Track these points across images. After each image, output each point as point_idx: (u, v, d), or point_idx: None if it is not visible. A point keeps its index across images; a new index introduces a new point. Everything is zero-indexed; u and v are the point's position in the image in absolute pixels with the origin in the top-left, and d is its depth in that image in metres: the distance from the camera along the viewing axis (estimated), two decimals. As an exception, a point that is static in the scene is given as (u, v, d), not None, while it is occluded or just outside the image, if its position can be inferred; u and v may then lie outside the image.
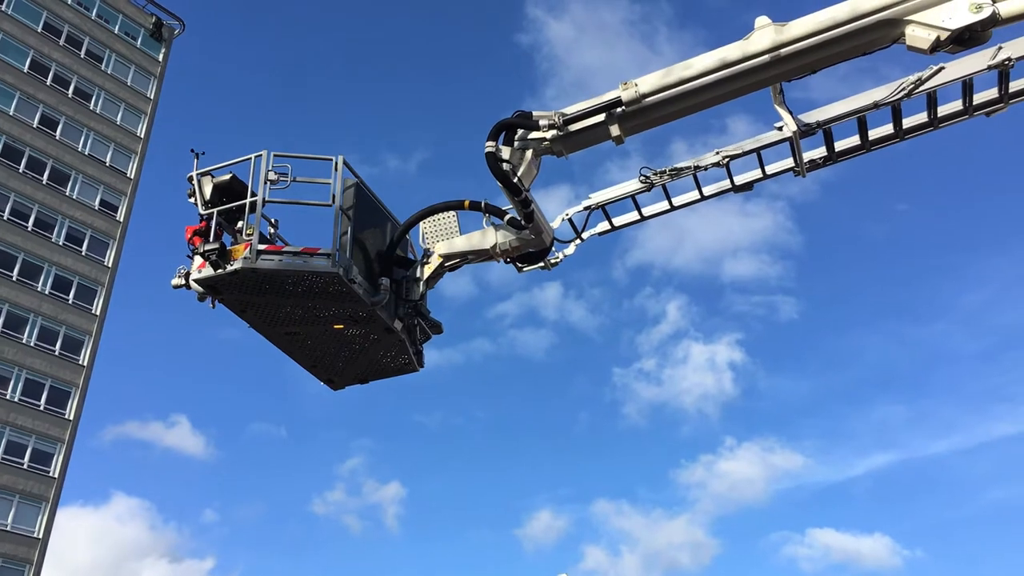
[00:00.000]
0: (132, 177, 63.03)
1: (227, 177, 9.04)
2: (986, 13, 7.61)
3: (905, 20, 7.87)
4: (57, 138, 59.08)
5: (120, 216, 61.57)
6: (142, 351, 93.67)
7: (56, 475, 53.81)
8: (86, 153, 60.46)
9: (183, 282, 9.22)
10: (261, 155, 8.76)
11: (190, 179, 9.00)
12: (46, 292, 56.13)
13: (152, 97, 65.49)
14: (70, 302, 57.19)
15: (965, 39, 7.78)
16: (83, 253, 58.83)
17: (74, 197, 59.19)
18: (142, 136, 63.98)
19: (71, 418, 55.59)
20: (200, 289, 9.13)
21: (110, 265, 60.30)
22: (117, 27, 64.56)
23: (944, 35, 7.73)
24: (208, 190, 8.97)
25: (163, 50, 67.40)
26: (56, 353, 55.65)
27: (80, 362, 56.93)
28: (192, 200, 9.02)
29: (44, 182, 57.74)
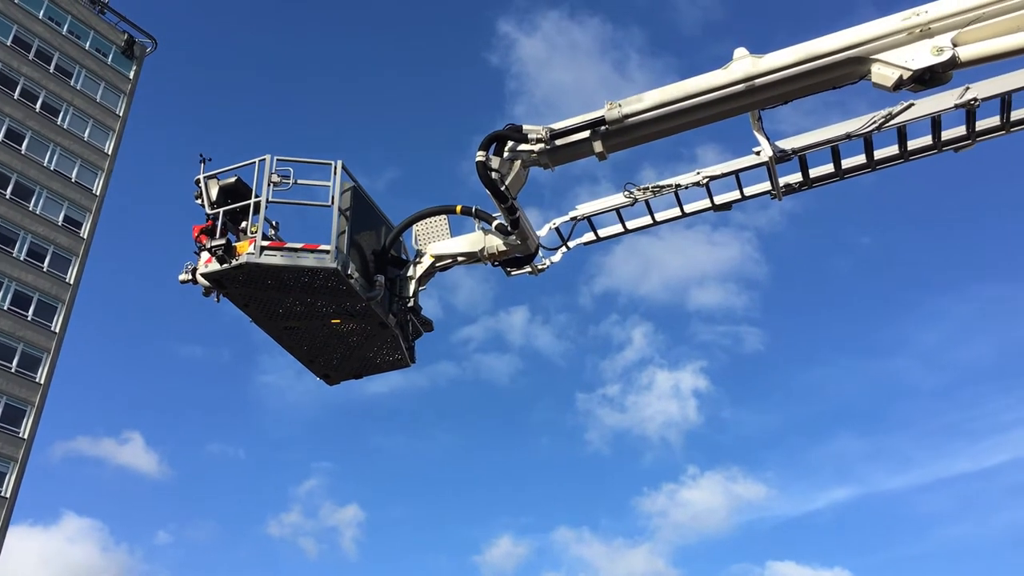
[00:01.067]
0: (98, 194, 62.06)
1: (232, 180, 9.69)
2: (946, 56, 8.15)
3: (871, 58, 8.42)
4: (23, 152, 58.26)
5: (84, 233, 60.65)
6: (98, 366, 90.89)
7: (8, 495, 52.41)
8: (52, 168, 59.62)
9: (190, 277, 9.86)
10: (265, 159, 9.40)
11: (197, 182, 9.64)
12: (5, 308, 55.19)
13: (121, 114, 64.60)
14: (29, 319, 56.19)
15: (926, 79, 8.31)
16: (44, 269, 57.94)
17: (38, 212, 58.34)
18: (109, 153, 63.06)
19: (25, 437, 54.28)
20: (206, 283, 9.76)
21: (72, 282, 59.33)
22: (88, 43, 63.85)
23: (907, 74, 8.27)
24: (214, 192, 9.60)
25: (134, 68, 66.59)
26: (13, 370, 54.64)
27: (37, 380, 55.90)
28: (199, 201, 9.64)
29: (7, 196, 56.77)
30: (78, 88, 62.30)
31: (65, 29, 62.50)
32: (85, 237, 60.73)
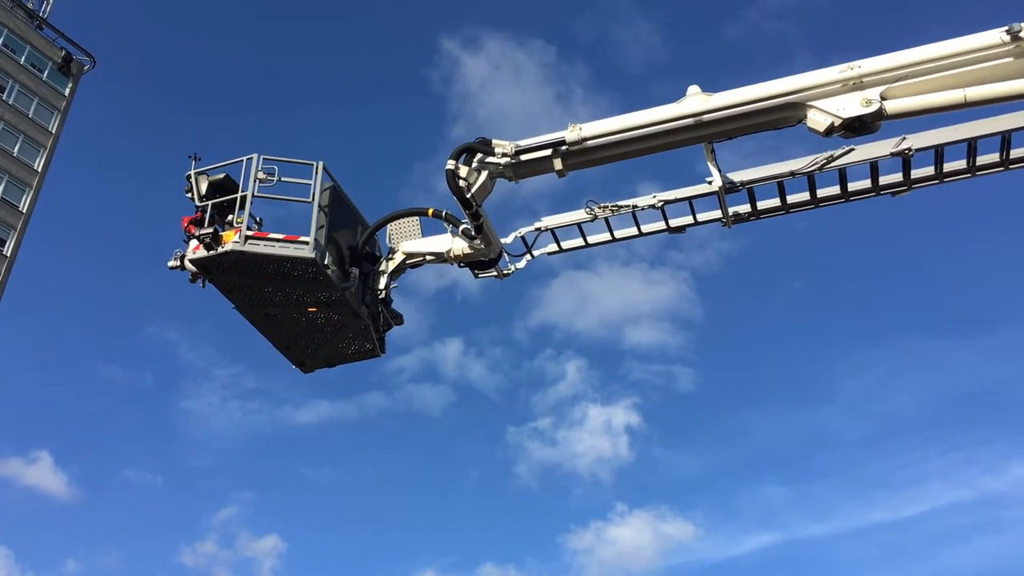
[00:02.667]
0: (24, 211, 59.94)
1: (221, 176, 10.57)
2: (874, 108, 8.96)
3: (808, 105, 9.23)
4: (-52, 165, 56.23)
5: (7, 250, 58.45)
6: (9, 382, 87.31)
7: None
8: (-23, 183, 57.59)
9: (178, 264, 10.73)
10: (252, 158, 10.28)
11: (188, 177, 10.50)
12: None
13: (54, 132, 62.46)
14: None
15: (856, 127, 9.12)
16: (-36, 286, 54.95)
17: (-41, 228, 55.72)
18: (39, 170, 61.10)
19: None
20: (194, 269, 10.63)
21: (-10, 303, 56.51)
22: (23, 58, 61.62)
23: (838, 122, 9.08)
24: (204, 187, 10.47)
25: (70, 85, 64.39)
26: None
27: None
28: (189, 195, 10.52)
29: (-70, 208, 54.80)
30: (10, 103, 60.12)
31: (0, 42, 60.37)
32: (8, 255, 58.59)
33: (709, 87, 9.41)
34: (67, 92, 64.34)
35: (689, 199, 11.20)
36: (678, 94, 9.54)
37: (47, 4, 64.67)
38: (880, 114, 8.99)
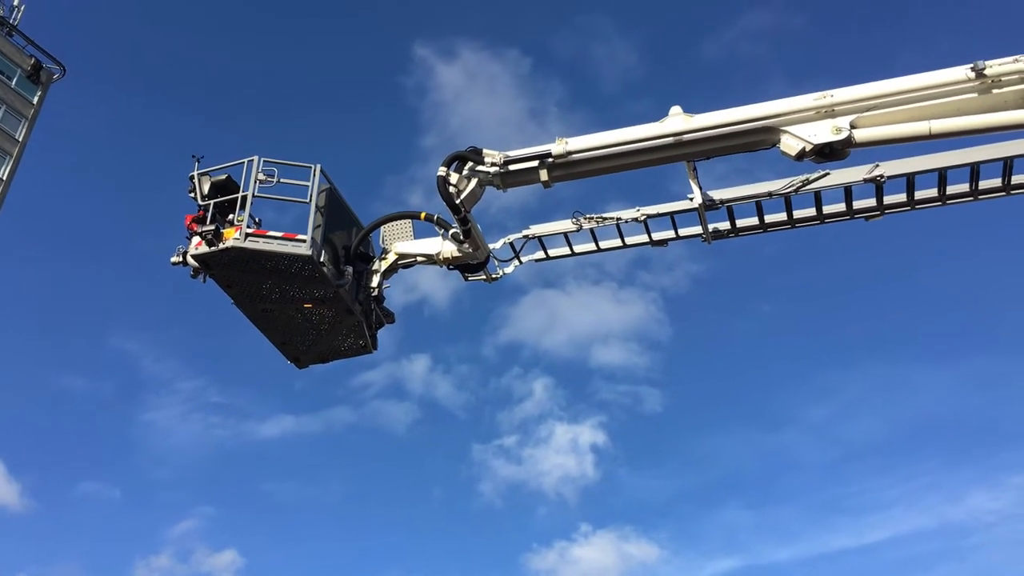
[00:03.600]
0: None
1: (223, 177, 11.10)
2: (843, 136, 9.42)
3: (782, 129, 9.70)
4: (-88, 170, 54.61)
5: None
6: None
7: None
8: (-59, 190, 55.27)
9: (181, 259, 11.25)
10: (253, 160, 10.80)
11: (191, 178, 11.02)
12: None
13: (21, 139, 60.88)
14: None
15: (826, 153, 9.59)
16: (-75, 297, 53.02)
17: (-80, 233, 53.76)
18: (4, 178, 59.39)
19: None
20: (195, 264, 11.13)
21: (-47, 311, 54.20)
22: None
23: (809, 147, 9.54)
24: (206, 187, 10.99)
25: (39, 93, 62.79)
26: None
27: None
28: (191, 195, 11.03)
29: None
30: (-23, 110, 58.27)
31: (-32, 49, 58.60)
32: (-28, 263, 55.51)
33: (684, 107, 9.90)
34: (36, 100, 62.88)
35: (671, 214, 11.66)
36: (653, 113, 10.03)
37: (17, 12, 63.19)
38: (849, 142, 9.45)
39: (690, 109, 9.93)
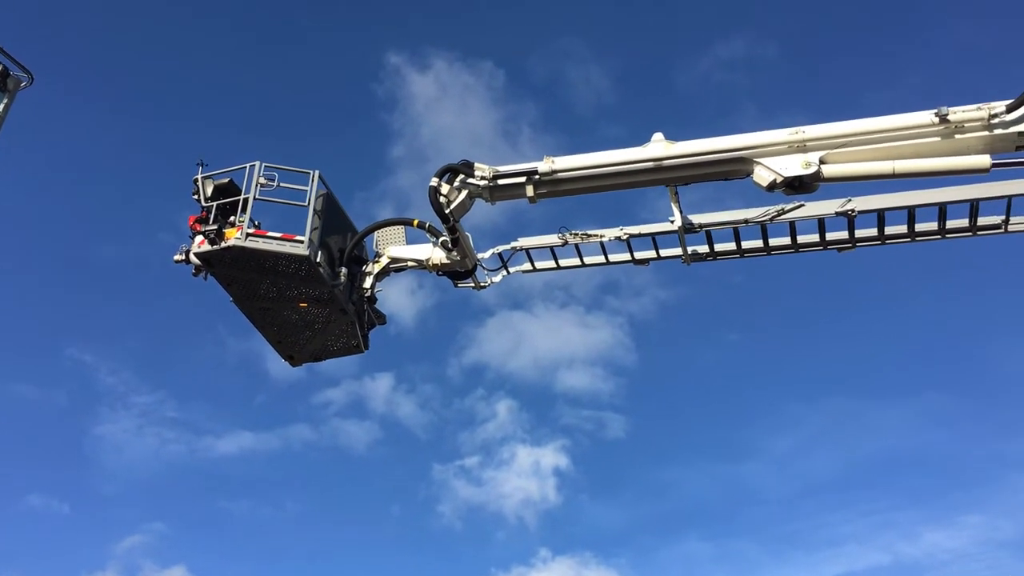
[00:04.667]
0: None
1: (226, 180, 11.71)
2: (812, 170, 9.90)
3: (755, 161, 10.19)
4: None
5: None
6: None
7: None
8: None
9: (184, 258, 11.83)
10: (255, 165, 11.41)
11: (195, 181, 11.62)
12: None
13: None
14: None
15: (796, 186, 10.06)
16: None
17: None
18: None
19: None
20: (198, 262, 11.70)
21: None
22: None
23: (780, 179, 10.03)
24: (210, 190, 11.60)
25: (4, 100, 62.11)
26: None
27: None
28: (195, 197, 11.63)
29: None
30: (-65, 118, 58.48)
31: (-72, 54, 59.12)
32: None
33: (654, 130, 10.45)
34: (0, 108, 63.11)
35: (652, 235, 12.17)
36: (625, 139, 10.59)
37: (-18, 16, 64.14)
38: (818, 176, 9.94)
39: (666, 137, 10.46)
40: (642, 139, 10.55)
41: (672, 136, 10.44)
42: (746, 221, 11.65)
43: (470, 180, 11.21)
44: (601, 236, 12.32)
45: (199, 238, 11.60)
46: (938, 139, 9.66)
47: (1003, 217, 11.17)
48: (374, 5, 59.88)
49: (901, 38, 53.16)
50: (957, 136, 9.60)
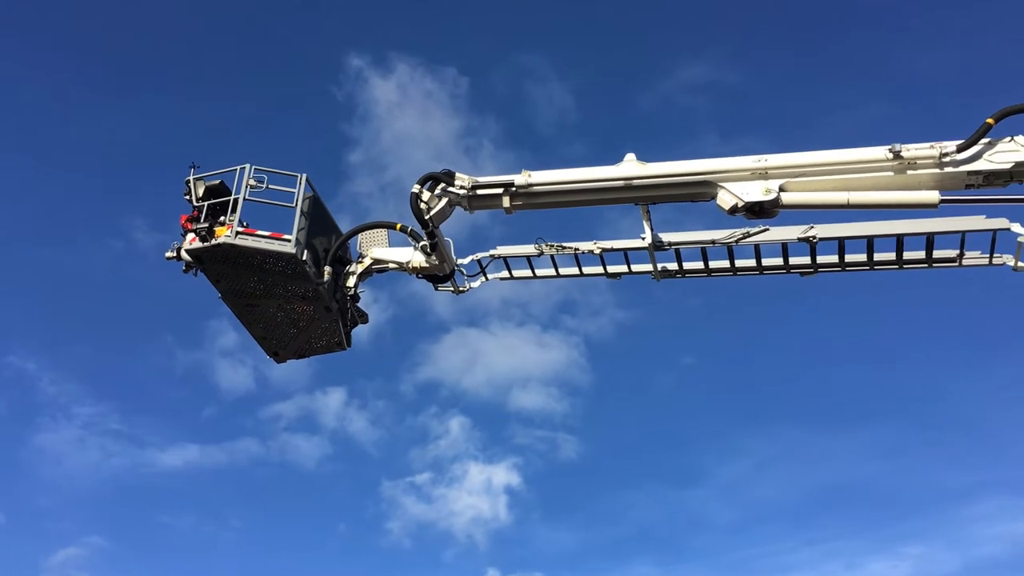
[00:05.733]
0: None
1: (217, 182, 12.25)
2: (772, 197, 10.42)
3: (720, 184, 10.71)
4: None
5: None
6: None
7: None
8: None
9: (175, 255, 12.34)
10: (245, 167, 11.96)
11: (187, 182, 12.18)
12: None
13: None
14: None
15: (756, 211, 10.58)
16: None
17: None
18: None
19: None
20: (189, 259, 12.22)
21: None
22: None
23: (741, 203, 10.54)
24: (201, 190, 12.14)
25: None
26: None
27: None
28: (187, 197, 12.18)
29: None
30: None
31: None
32: None
33: (618, 154, 11.00)
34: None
35: (624, 251, 12.68)
36: (587, 158, 11.15)
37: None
38: (777, 203, 10.45)
39: (622, 157, 11.01)
40: (603, 159, 11.21)
41: (636, 158, 10.98)
42: (713, 242, 12.16)
43: (451, 188, 11.73)
44: (576, 249, 12.83)
45: (190, 235, 12.12)
46: (891, 174, 10.18)
47: (958, 251, 11.66)
48: (337, 5, 59.14)
49: (862, 68, 53.93)
50: (910, 172, 10.12)
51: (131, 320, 54.06)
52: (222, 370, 50.93)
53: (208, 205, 12.07)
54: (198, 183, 12.18)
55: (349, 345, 14.43)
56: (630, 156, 11.25)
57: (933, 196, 10.00)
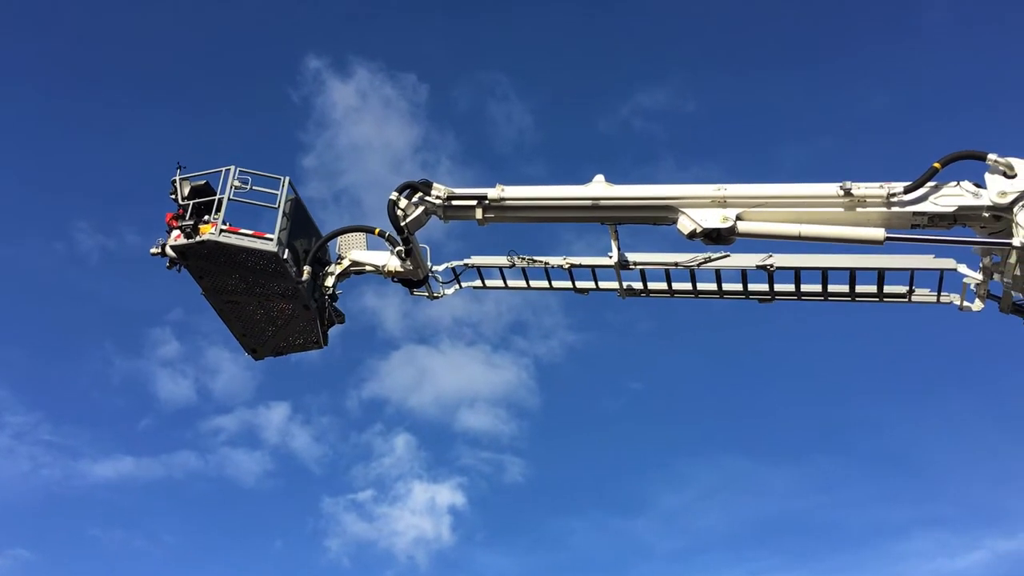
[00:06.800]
0: None
1: (203, 182, 12.79)
2: (728, 224, 10.95)
3: (681, 210, 11.24)
4: None
5: None
6: None
7: None
8: None
9: (160, 251, 12.86)
10: (230, 169, 12.50)
11: (173, 182, 12.71)
12: None
13: None
14: None
15: (714, 237, 11.11)
16: None
17: None
18: None
19: None
20: (173, 255, 12.73)
21: None
22: None
23: (699, 229, 11.07)
24: (187, 190, 12.67)
25: None
26: None
27: None
28: (172, 197, 12.71)
29: None
30: None
31: None
32: None
33: (576, 176, 11.56)
34: None
35: (592, 267, 13.21)
36: (544, 178, 11.72)
37: None
38: (733, 231, 10.98)
39: (583, 180, 11.57)
40: (560, 180, 11.87)
41: (589, 178, 11.56)
42: (676, 264, 12.68)
43: (427, 198, 12.27)
44: (546, 263, 13.36)
45: (176, 232, 12.64)
46: (842, 210, 10.71)
47: (907, 287, 12.18)
48: (296, 4, 57.71)
49: (814, 102, 54.86)
50: (859, 209, 10.66)
51: (68, 325, 52.67)
52: (162, 380, 49.76)
53: (193, 204, 12.58)
54: (184, 183, 12.70)
55: (326, 344, 14.94)
56: (599, 177, 11.78)
57: (879, 233, 10.53)
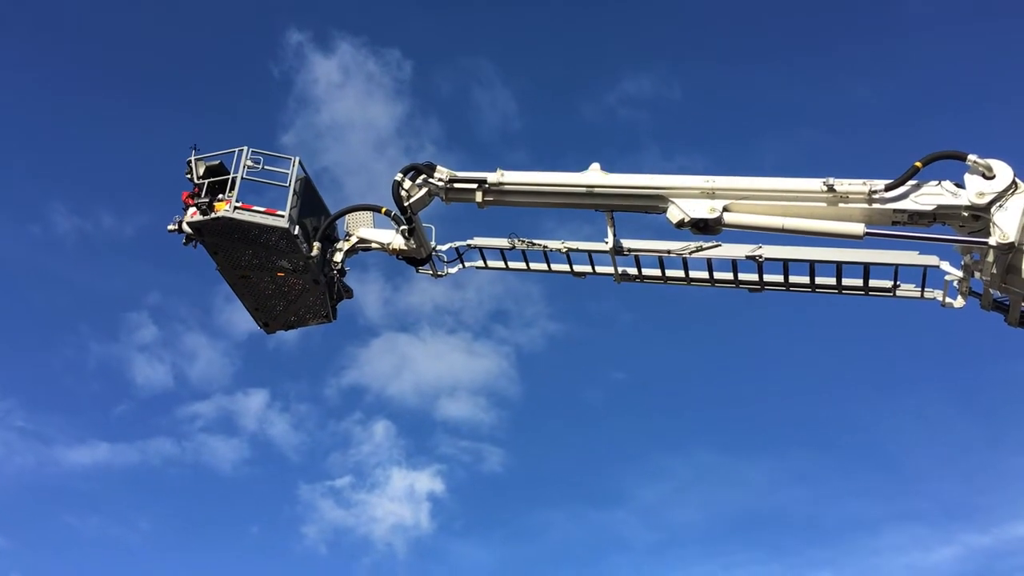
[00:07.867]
0: None
1: (217, 162, 13.44)
2: (715, 215, 11.34)
3: (671, 200, 11.65)
4: None
5: None
6: None
7: None
8: None
9: (177, 227, 13.51)
10: (243, 149, 13.13)
11: (188, 162, 13.37)
12: None
13: None
14: None
15: (701, 227, 11.51)
16: None
17: None
18: None
19: None
20: (189, 231, 13.39)
21: None
22: None
23: (687, 219, 11.48)
24: (202, 170, 13.33)
25: None
26: None
27: None
28: (188, 176, 13.37)
29: None
30: None
31: None
32: None
33: (559, 163, 12.00)
34: None
35: (589, 252, 13.67)
36: (527, 165, 12.24)
37: None
38: (720, 221, 11.38)
39: (568, 167, 12.03)
40: (544, 168, 12.39)
41: (577, 168, 12.00)
42: (668, 252, 13.10)
43: (430, 180, 12.79)
44: (545, 246, 13.84)
45: (192, 210, 13.29)
46: (825, 205, 11.06)
47: (892, 282, 12.51)
48: None
49: (798, 93, 54.41)
50: (841, 205, 10.99)
51: (43, 309, 51.76)
52: (139, 365, 49.19)
53: (208, 183, 13.20)
54: (199, 163, 13.36)
55: (335, 318, 15.56)
56: (595, 165, 12.22)
57: (858, 228, 10.85)
